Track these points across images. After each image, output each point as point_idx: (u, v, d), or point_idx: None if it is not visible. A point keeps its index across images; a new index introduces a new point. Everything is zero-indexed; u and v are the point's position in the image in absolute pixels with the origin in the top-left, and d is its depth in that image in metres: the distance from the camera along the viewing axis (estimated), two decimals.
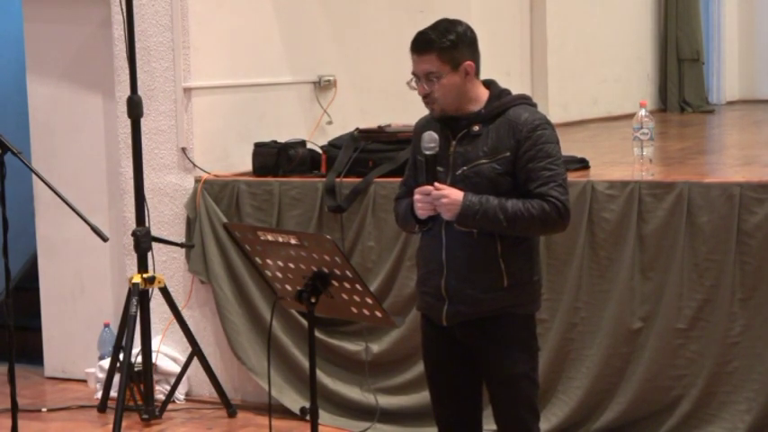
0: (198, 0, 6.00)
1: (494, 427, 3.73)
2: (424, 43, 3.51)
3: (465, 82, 3.54)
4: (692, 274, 4.85)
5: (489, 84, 3.64)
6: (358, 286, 3.41)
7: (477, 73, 3.58)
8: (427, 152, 3.50)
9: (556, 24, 9.56)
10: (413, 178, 3.70)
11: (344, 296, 3.46)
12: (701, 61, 11.63)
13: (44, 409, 5.96)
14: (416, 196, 3.51)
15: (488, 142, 3.52)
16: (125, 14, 5.60)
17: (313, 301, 3.46)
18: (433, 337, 3.69)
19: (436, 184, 3.49)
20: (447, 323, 3.60)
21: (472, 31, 3.59)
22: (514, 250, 3.54)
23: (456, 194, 3.46)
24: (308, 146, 6.09)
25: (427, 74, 3.52)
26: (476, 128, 3.55)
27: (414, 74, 3.57)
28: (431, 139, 3.50)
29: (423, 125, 3.66)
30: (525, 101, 3.62)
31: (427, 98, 3.56)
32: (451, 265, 3.55)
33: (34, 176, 5.26)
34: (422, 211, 3.51)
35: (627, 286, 4.95)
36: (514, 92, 3.67)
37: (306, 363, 4.86)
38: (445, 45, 3.49)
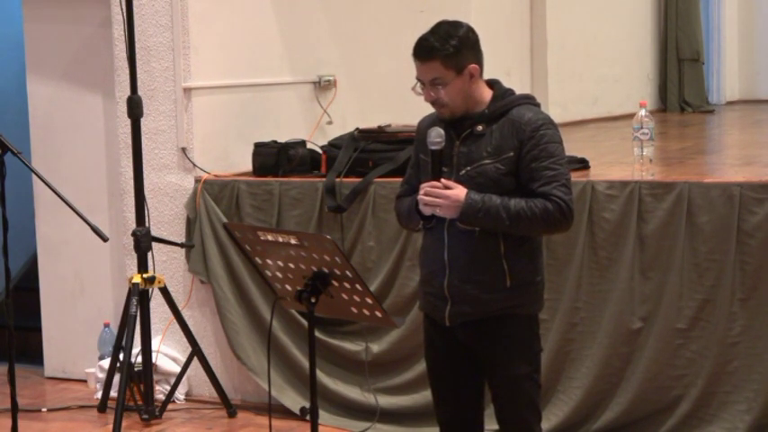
0: (198, 0, 6.00)
1: (496, 426, 3.74)
2: (427, 51, 3.50)
3: (470, 84, 3.54)
4: (691, 274, 4.85)
5: (493, 84, 3.64)
6: (358, 286, 3.41)
7: (481, 74, 3.58)
8: (433, 147, 3.50)
9: (556, 24, 9.56)
10: (415, 177, 3.70)
11: (344, 296, 3.46)
12: (701, 61, 11.63)
13: (44, 409, 5.96)
14: (421, 193, 3.50)
15: (492, 142, 3.52)
16: (125, 14, 5.60)
17: (313, 301, 3.46)
18: (436, 337, 3.69)
19: (443, 180, 3.48)
20: (450, 323, 3.60)
21: (474, 33, 3.58)
22: (518, 250, 3.54)
23: (458, 192, 3.46)
24: (308, 146, 6.09)
25: (432, 80, 3.51)
26: (479, 128, 3.55)
27: (418, 79, 3.56)
28: (437, 135, 3.50)
29: (427, 124, 3.66)
30: (529, 101, 3.62)
31: (436, 103, 3.55)
32: (454, 266, 3.55)
33: (34, 176, 5.25)
34: (427, 206, 3.50)
35: (627, 286, 4.95)
36: (515, 92, 3.67)
37: (306, 363, 4.86)
38: (449, 51, 3.48)
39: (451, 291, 3.56)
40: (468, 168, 3.53)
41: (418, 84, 3.57)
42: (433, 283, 3.62)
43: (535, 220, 3.45)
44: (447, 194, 3.46)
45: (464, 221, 3.48)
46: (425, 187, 3.50)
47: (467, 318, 3.57)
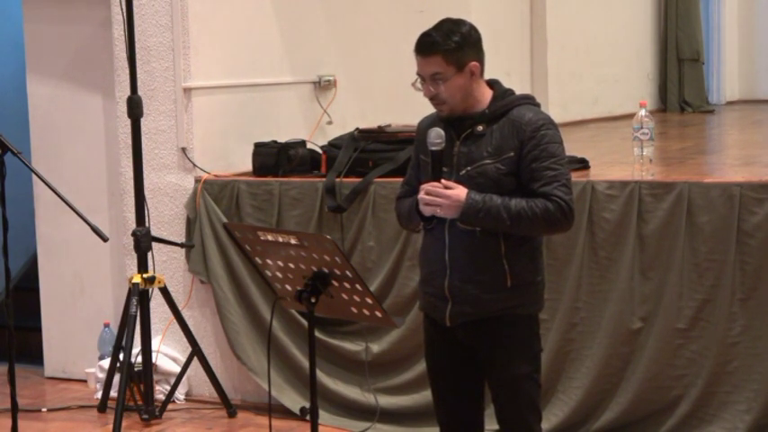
0: (198, 0, 6.01)
1: (496, 426, 3.73)
2: (429, 45, 3.50)
3: (471, 82, 3.54)
4: (691, 274, 4.85)
5: (493, 84, 3.64)
6: (358, 286, 3.41)
7: (481, 73, 3.58)
8: (434, 148, 3.50)
9: (556, 24, 9.56)
10: (415, 177, 3.70)
11: (344, 296, 3.46)
12: (701, 61, 11.63)
13: (44, 409, 5.96)
14: (421, 194, 3.50)
15: (492, 142, 3.52)
16: (125, 14, 5.60)
17: (313, 301, 3.46)
18: (436, 337, 3.68)
19: (443, 180, 3.48)
20: (450, 324, 3.59)
21: (476, 31, 3.58)
22: (518, 250, 3.54)
23: (459, 192, 3.46)
24: (308, 146, 6.09)
25: (433, 75, 3.51)
26: (480, 128, 3.55)
27: (419, 75, 3.56)
28: (437, 135, 3.50)
29: (427, 125, 3.66)
30: (529, 101, 3.61)
31: (435, 99, 3.55)
32: (455, 266, 3.55)
33: (34, 176, 5.26)
34: (427, 207, 3.50)
35: (627, 286, 4.95)
36: (515, 92, 3.67)
37: (306, 363, 4.86)
38: (450, 47, 3.48)
39: (452, 291, 3.56)
40: (469, 168, 3.52)
41: (418, 79, 3.57)
42: (433, 283, 3.62)
43: (536, 220, 3.45)
44: (448, 194, 3.46)
45: (465, 221, 3.48)
46: (426, 187, 3.50)
47: (467, 318, 3.56)
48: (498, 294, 3.53)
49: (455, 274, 3.55)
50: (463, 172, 3.53)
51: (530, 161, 3.48)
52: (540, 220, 3.45)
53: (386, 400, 5.48)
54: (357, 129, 5.93)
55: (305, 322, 5.32)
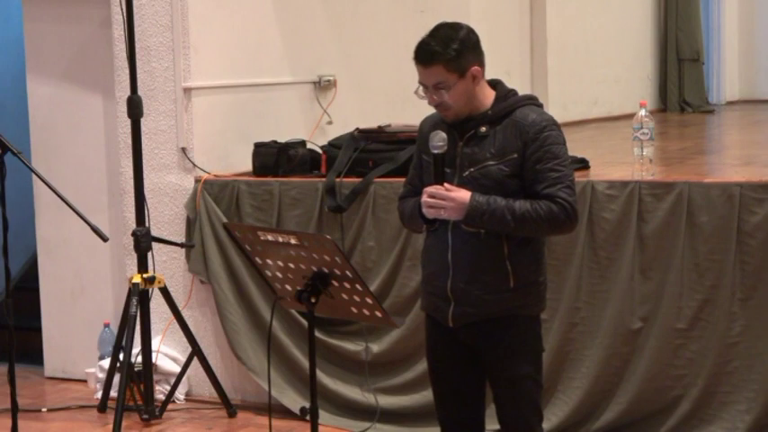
0: (198, 0, 6.01)
1: (497, 426, 3.73)
2: (429, 56, 3.48)
3: (473, 86, 3.53)
4: (692, 274, 4.85)
5: (495, 84, 3.63)
6: (358, 286, 3.41)
7: (483, 74, 3.57)
8: (436, 151, 3.49)
9: (556, 24, 9.56)
10: (417, 177, 3.69)
11: (344, 296, 3.46)
12: (701, 61, 11.64)
13: (44, 409, 5.96)
14: (424, 197, 3.50)
15: (495, 143, 3.51)
16: (125, 14, 5.60)
17: (313, 301, 3.46)
18: (438, 337, 3.68)
19: (446, 184, 3.48)
20: (453, 324, 3.59)
21: (474, 33, 3.56)
22: (521, 251, 3.53)
23: (463, 195, 3.46)
24: (308, 146, 6.09)
25: (435, 85, 3.50)
26: (483, 129, 3.54)
27: (421, 83, 3.55)
28: (440, 138, 3.50)
29: (429, 125, 3.65)
30: (532, 101, 3.61)
31: (440, 106, 3.54)
32: (458, 266, 3.54)
33: (34, 176, 5.25)
34: (431, 210, 3.50)
35: (627, 286, 4.96)
36: (518, 92, 3.66)
37: (306, 363, 4.86)
38: (450, 55, 3.46)
39: (455, 292, 3.55)
40: (472, 170, 3.52)
41: (420, 87, 3.56)
42: (435, 283, 3.61)
43: (540, 222, 3.45)
44: (452, 197, 3.45)
45: (469, 223, 3.48)
46: (429, 191, 3.49)
47: (470, 319, 3.56)
48: (501, 295, 3.53)
49: (458, 275, 3.55)
50: (466, 173, 3.52)
51: (533, 162, 3.48)
52: (544, 222, 3.45)
53: (386, 400, 5.48)
54: (357, 129, 5.93)
55: (305, 322, 5.32)
